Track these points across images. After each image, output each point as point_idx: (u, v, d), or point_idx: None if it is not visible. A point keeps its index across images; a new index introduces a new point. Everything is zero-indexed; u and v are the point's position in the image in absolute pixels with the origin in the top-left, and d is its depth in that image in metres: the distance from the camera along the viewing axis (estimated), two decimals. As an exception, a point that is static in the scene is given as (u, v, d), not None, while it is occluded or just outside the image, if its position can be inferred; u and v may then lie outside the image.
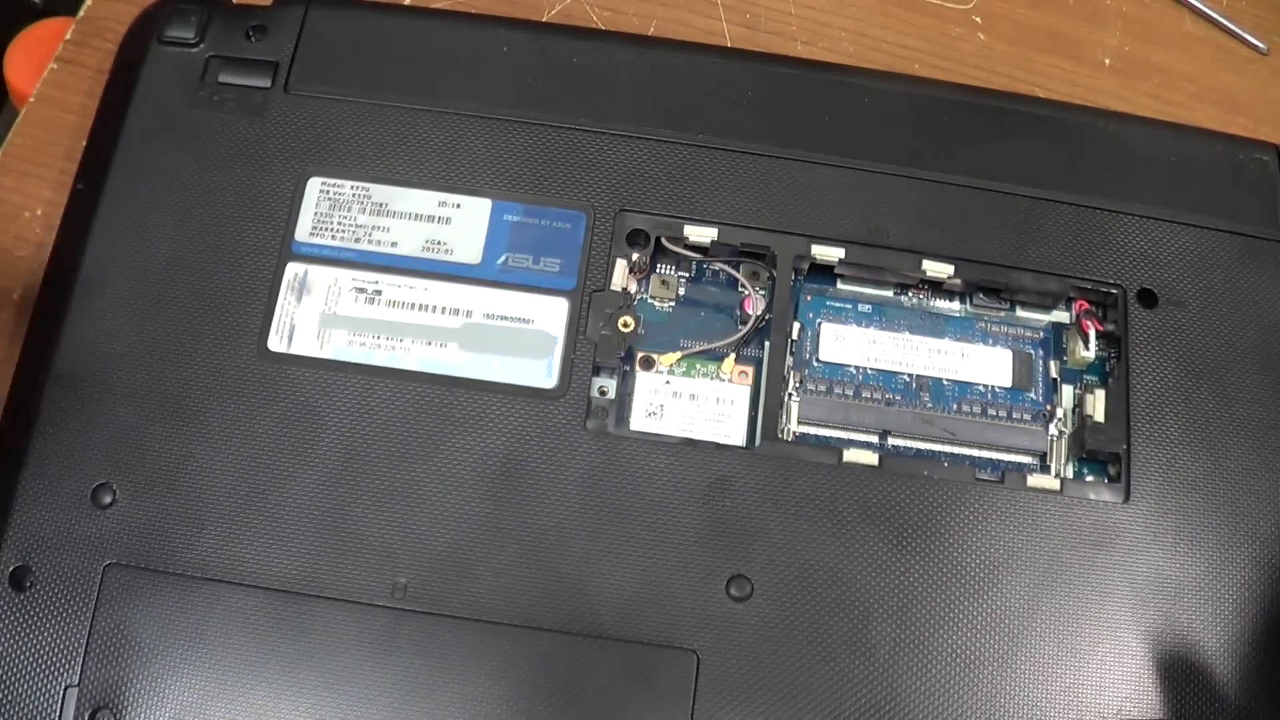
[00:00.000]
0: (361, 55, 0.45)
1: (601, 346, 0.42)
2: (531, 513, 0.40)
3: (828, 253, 0.44)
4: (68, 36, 0.51)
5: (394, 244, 0.43)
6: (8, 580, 0.39)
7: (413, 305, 0.42)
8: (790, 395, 0.43)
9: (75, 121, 0.46)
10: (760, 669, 0.39)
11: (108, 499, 0.40)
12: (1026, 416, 0.44)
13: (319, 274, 0.42)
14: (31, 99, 0.51)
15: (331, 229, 0.43)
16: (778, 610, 0.40)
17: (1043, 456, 0.43)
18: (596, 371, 0.42)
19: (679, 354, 0.43)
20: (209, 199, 0.43)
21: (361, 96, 0.44)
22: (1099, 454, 0.43)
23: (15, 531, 0.39)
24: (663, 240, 0.44)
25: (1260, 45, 0.55)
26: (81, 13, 0.52)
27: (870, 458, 0.42)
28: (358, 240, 0.42)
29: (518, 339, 0.42)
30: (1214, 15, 0.56)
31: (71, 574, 0.39)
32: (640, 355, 0.43)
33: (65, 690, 0.38)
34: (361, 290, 0.42)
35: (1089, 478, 0.43)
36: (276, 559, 0.39)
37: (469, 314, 0.42)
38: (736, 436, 0.42)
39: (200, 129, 0.44)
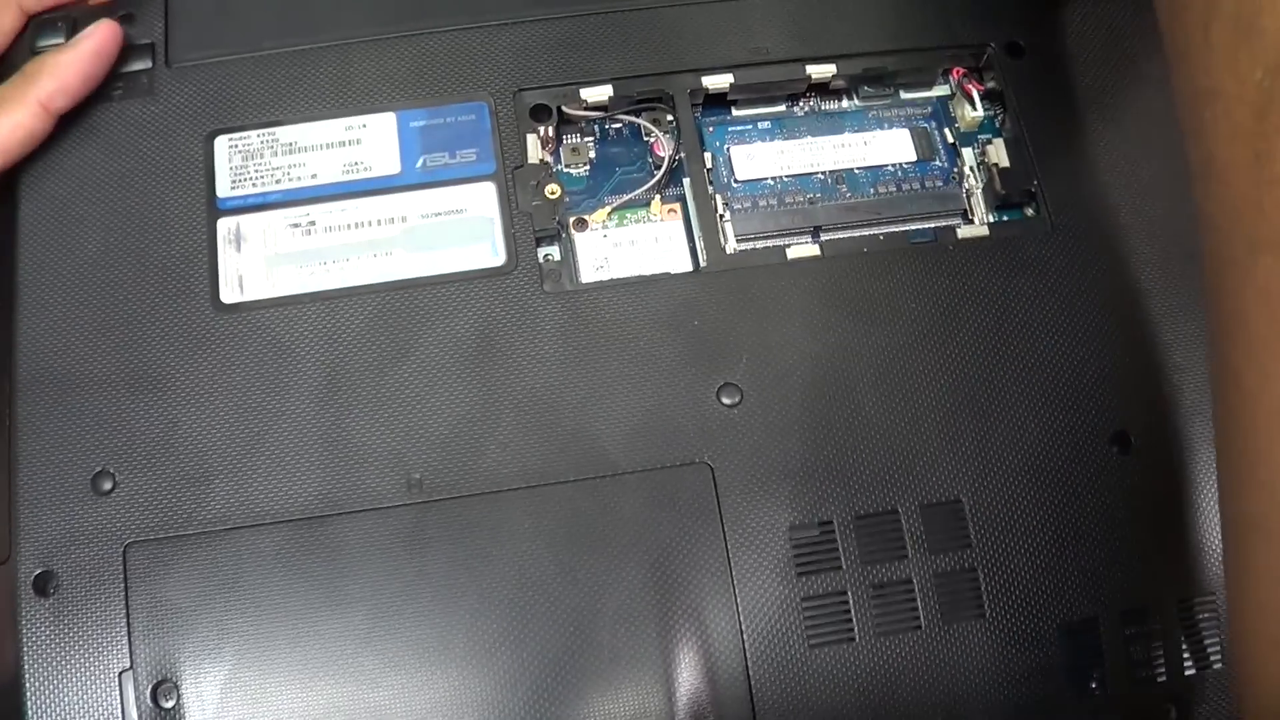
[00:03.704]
0: (231, 14, 0.43)
1: (537, 216, 0.41)
2: (518, 380, 0.39)
3: (718, 81, 0.43)
4: None
5: (314, 175, 0.41)
6: (33, 589, 0.37)
7: (349, 225, 0.41)
8: (722, 217, 0.43)
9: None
10: (770, 462, 0.39)
11: (108, 485, 0.38)
12: (939, 182, 0.44)
13: (251, 222, 0.41)
14: None
15: (250, 178, 0.41)
16: (771, 405, 0.39)
17: (964, 214, 0.44)
18: (538, 242, 0.41)
19: (607, 209, 0.43)
20: (125, 182, 0.41)
21: (242, 51, 0.43)
22: (1013, 196, 0.43)
23: (27, 540, 0.37)
24: (564, 109, 0.43)
25: None
26: None
27: (812, 249, 0.42)
28: (278, 181, 0.41)
29: (457, 229, 0.41)
30: None
31: (94, 565, 0.37)
32: (572, 219, 0.42)
33: (120, 676, 0.37)
34: (296, 225, 0.41)
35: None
36: (288, 491, 0.38)
37: (404, 219, 0.41)
38: (684, 265, 0.42)
39: (97, 122, 0.42)
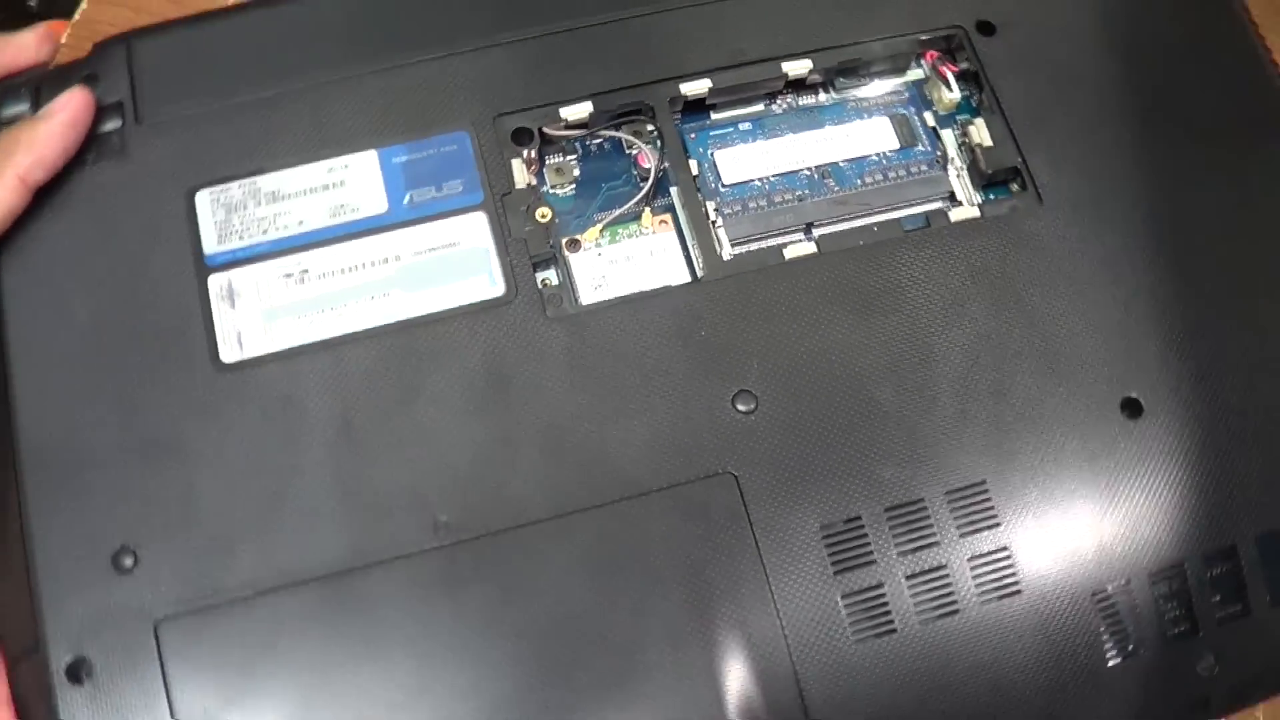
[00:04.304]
0: (198, 66, 0.42)
1: (532, 242, 0.40)
2: (532, 409, 0.38)
3: (697, 87, 0.43)
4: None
5: (300, 222, 0.40)
6: (66, 678, 0.36)
7: (342, 270, 0.40)
8: (714, 224, 0.42)
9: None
10: (792, 464, 0.38)
11: (129, 561, 0.37)
12: (924, 167, 0.44)
13: (242, 276, 0.40)
14: None
15: (237, 231, 0.40)
16: (787, 408, 0.39)
17: (951, 196, 0.43)
18: (535, 268, 0.40)
19: (598, 226, 0.42)
20: (109, 247, 0.40)
21: (214, 102, 0.41)
22: (999, 174, 0.43)
23: (53, 629, 0.36)
24: (545, 130, 0.42)
25: None
26: (76, 16, 0.49)
27: (809, 247, 0.41)
28: (265, 232, 0.40)
29: (453, 263, 0.40)
30: None
31: (126, 646, 0.36)
32: (565, 241, 0.42)
33: (164, 755, 0.36)
34: (289, 275, 0.40)
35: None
36: (315, 547, 0.37)
37: (398, 258, 0.40)
38: (681, 276, 0.41)
39: (73, 188, 0.40)
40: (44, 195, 0.40)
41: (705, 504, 0.38)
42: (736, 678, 0.37)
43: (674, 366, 0.39)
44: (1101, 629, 0.39)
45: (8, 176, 0.39)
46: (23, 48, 0.42)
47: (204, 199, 0.40)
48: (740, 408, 0.39)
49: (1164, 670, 0.39)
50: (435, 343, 0.39)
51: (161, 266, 0.40)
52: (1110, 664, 0.39)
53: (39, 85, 0.42)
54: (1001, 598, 0.38)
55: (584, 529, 0.37)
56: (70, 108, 0.40)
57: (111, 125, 0.41)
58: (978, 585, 0.38)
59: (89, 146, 0.41)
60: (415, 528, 0.37)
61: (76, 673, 0.36)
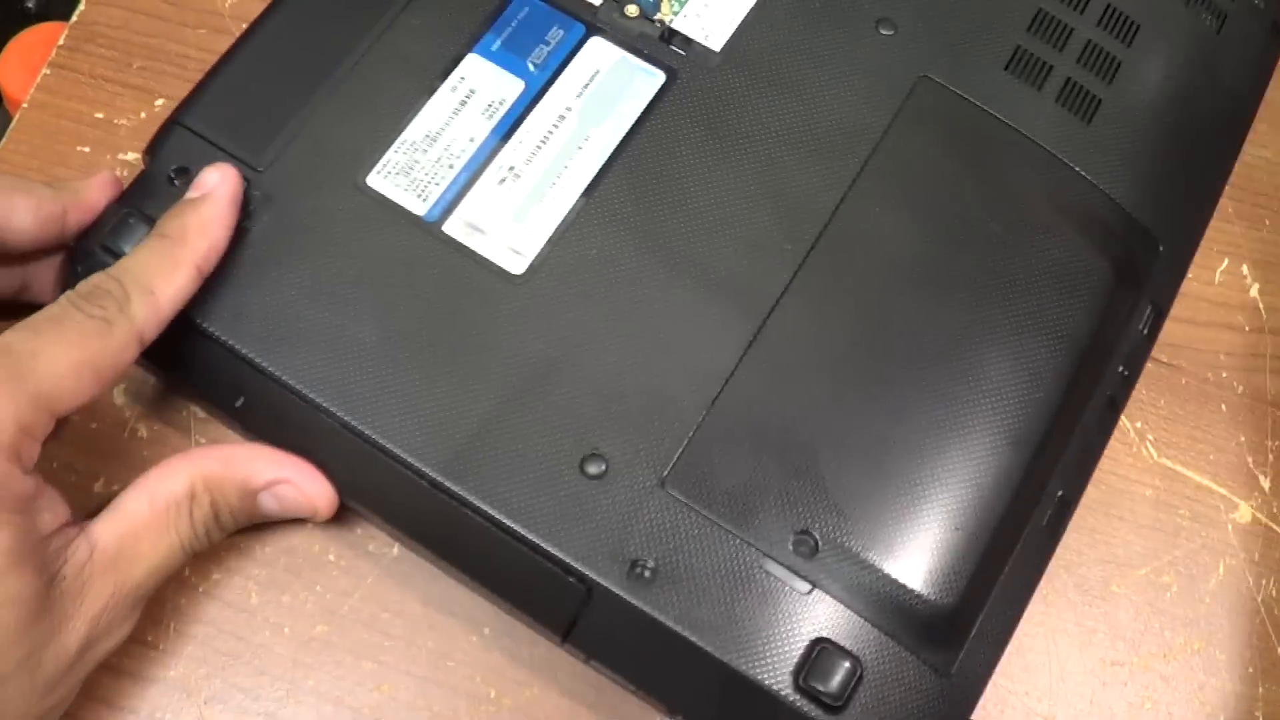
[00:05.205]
0: (257, 97, 0.41)
1: (645, 31, 0.43)
2: (763, 131, 0.42)
3: None
4: (61, 41, 0.46)
5: (470, 139, 0.41)
6: (634, 581, 0.36)
7: (538, 146, 0.41)
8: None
9: (69, 127, 0.41)
10: (951, 42, 0.44)
11: (599, 467, 0.37)
12: None
13: (467, 209, 0.40)
14: (25, 104, 0.45)
15: (428, 183, 0.40)
16: (919, 20, 0.44)
17: None
18: (668, 45, 0.43)
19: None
20: (340, 278, 0.39)
21: (302, 110, 0.40)
22: None
23: (592, 565, 0.36)
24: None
25: None
26: (74, 17, 0.46)
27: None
28: (451, 167, 0.40)
29: (611, 85, 0.42)
30: None
31: (661, 525, 0.37)
32: (656, 24, 0.44)
33: (762, 561, 0.37)
34: (503, 180, 0.40)
35: None
36: (716, 342, 0.39)
37: (569, 109, 0.41)
38: (756, -9, 0.45)
39: (256, 250, 0.39)
40: (250, 269, 0.39)
41: (924, 105, 0.43)
42: (1054, 199, 0.42)
43: (822, 32, 0.44)
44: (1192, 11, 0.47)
45: (187, 265, 0.37)
46: (102, 185, 0.39)
47: (377, 181, 0.40)
48: (883, 30, 0.44)
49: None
50: (655, 142, 0.41)
51: (398, 255, 0.39)
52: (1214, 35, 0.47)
53: (138, 206, 0.39)
54: (1130, 38, 0.45)
55: (876, 181, 0.41)
56: (227, 183, 0.38)
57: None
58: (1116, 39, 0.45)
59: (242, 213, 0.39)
60: (772, 268, 0.40)
61: (639, 571, 0.36)
